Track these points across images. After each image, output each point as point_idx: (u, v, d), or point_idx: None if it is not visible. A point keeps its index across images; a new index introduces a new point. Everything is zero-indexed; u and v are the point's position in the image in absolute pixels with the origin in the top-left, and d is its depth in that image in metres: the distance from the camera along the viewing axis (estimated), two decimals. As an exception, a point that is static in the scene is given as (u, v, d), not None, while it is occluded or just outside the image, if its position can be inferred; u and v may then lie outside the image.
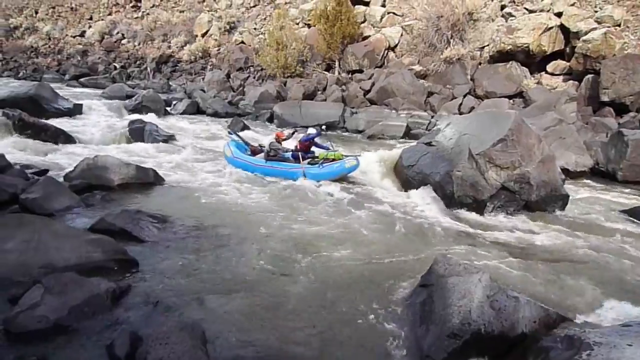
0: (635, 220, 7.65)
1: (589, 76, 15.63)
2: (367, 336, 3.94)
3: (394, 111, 16.46)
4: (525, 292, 4.70)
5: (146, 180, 7.90)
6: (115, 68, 30.39)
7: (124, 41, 34.57)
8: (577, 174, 10.61)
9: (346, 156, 9.09)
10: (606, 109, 14.69)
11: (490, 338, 3.64)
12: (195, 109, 18.30)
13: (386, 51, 21.09)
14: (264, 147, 9.71)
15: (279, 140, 9.53)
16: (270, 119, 16.94)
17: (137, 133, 11.58)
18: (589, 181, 10.67)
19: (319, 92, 19.59)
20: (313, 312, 4.24)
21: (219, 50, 27.99)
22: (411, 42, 20.84)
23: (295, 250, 5.59)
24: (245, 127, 14.50)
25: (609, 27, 16.25)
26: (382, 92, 17.70)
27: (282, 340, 3.80)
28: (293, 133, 10.35)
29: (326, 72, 21.58)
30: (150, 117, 14.08)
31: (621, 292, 5.01)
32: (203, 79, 24.28)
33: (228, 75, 23.40)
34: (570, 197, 8.05)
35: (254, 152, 9.82)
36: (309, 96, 18.90)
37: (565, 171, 9.56)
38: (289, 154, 9.37)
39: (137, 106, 15.95)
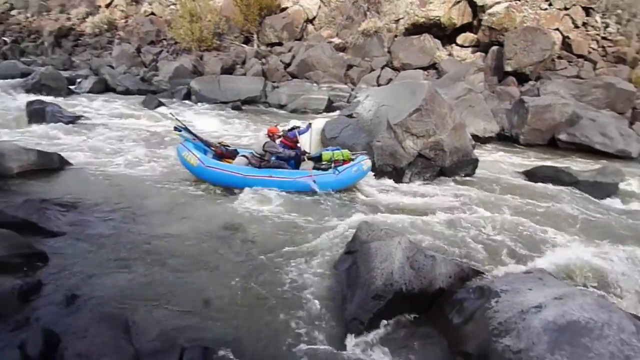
0: (531, 180, 8.47)
1: (494, 48, 16.73)
2: (295, 306, 4.00)
3: (315, 84, 16.50)
4: (442, 250, 5.07)
5: (50, 166, 7.21)
6: (6, 43, 27.10)
7: (13, 12, 30.87)
8: (486, 139, 11.43)
9: (354, 154, 7.45)
10: (510, 79, 15.87)
11: (412, 296, 3.88)
12: (104, 87, 16.95)
13: (305, 23, 20.92)
14: (230, 147, 7.66)
15: (273, 137, 7.08)
16: (188, 96, 16.21)
17: (37, 115, 10.48)
18: (496, 145, 11.57)
19: (238, 66, 19.06)
20: (238, 290, 4.21)
21: (126, 22, 26.02)
22: (329, 15, 20.85)
23: (216, 230, 5.47)
24: (160, 104, 13.75)
25: (511, 1, 17.37)
26: (303, 65, 17.63)
27: (207, 320, 3.75)
28: (292, 129, 7.90)
29: (244, 45, 20.99)
30: (51, 97, 12.84)
31: (522, 243, 5.56)
32: (110, 53, 22.49)
33: (139, 50, 21.91)
34: (480, 161, 8.67)
35: (221, 155, 7.40)
36: (228, 70, 18.33)
37: (475, 137, 10.27)
38: (286, 154, 7.18)
39: (36, 85, 14.36)
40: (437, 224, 5.95)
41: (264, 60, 19.05)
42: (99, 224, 5.40)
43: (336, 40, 19.45)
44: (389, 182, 7.75)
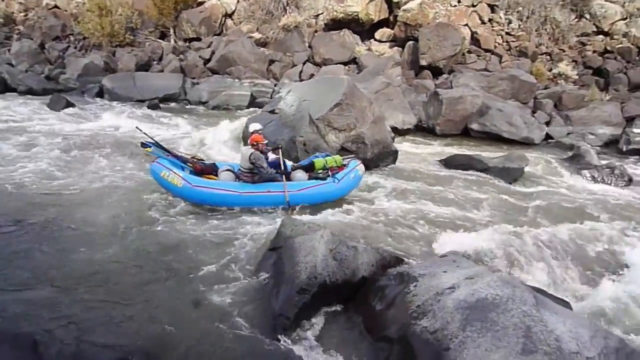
0: (447, 168, 8.97)
1: (410, 43, 17.43)
2: (221, 308, 3.91)
3: (237, 80, 16.19)
4: (365, 240, 5.20)
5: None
6: None
7: None
8: (404, 131, 11.89)
9: (344, 158, 7.07)
10: (425, 72, 16.64)
11: (336, 287, 3.94)
12: (3, 87, 15.43)
13: (224, 18, 20.41)
14: (205, 161, 6.91)
15: (258, 147, 6.11)
16: (100, 94, 15.19)
17: None
18: (414, 137, 12.08)
19: (155, 63, 18.19)
20: (158, 297, 4.03)
21: (26, 16, 23.80)
22: (248, 9, 20.51)
23: (122, 235, 5.17)
24: (69, 105, 12.74)
25: (423, -2, 18.20)
26: (223, 61, 17.21)
27: (126, 331, 3.55)
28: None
29: (160, 41, 20.05)
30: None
31: (440, 228, 5.86)
32: (9, 50, 20.44)
33: (42, 46, 20.10)
34: (400, 152, 9.01)
35: (201, 171, 6.49)
36: (143, 67, 17.41)
37: (394, 129, 10.66)
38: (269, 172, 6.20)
39: None
40: (360, 215, 6.11)
41: (182, 56, 18.34)
42: (5, 240, 4.87)
43: (257, 35, 19.20)
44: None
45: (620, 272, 5.15)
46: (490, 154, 10.23)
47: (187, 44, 19.72)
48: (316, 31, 19.14)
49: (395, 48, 18.30)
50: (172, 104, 15.09)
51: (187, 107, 15.17)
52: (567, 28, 18.67)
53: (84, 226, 5.32)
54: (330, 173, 6.53)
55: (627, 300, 4.43)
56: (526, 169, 8.96)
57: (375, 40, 19.07)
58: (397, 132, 11.21)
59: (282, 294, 3.88)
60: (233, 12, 20.68)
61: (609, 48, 17.94)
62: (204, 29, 19.77)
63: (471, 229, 5.97)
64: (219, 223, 5.65)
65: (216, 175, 6.41)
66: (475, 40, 18.37)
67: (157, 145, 6.35)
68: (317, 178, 6.49)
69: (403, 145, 10.41)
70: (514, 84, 14.69)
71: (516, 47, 18.28)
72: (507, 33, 18.83)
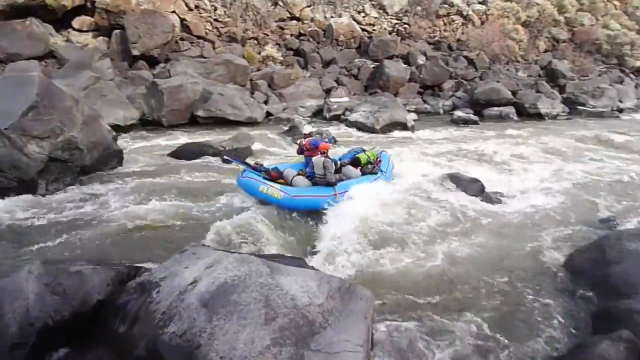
0: (179, 159, 8.79)
1: (117, 32, 16.06)
2: None
3: None
4: (98, 259, 4.60)
5: None
6: None
7: None
8: (128, 127, 11.07)
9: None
10: (140, 62, 15.70)
11: (65, 324, 3.35)
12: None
13: None
14: (263, 165, 7.02)
15: (326, 154, 6.70)
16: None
17: None
18: (141, 132, 11.37)
19: None
20: None
21: None
22: None
23: None
24: None
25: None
26: None
27: None
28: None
29: None
30: None
31: (181, 222, 5.70)
32: None
33: None
34: (127, 150, 8.32)
35: (275, 178, 6.76)
36: None
37: (116, 127, 9.75)
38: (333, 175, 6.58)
39: None
40: (86, 232, 5.38)
41: None
42: None
43: None
44: (22, 198, 6.40)
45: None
46: (220, 137, 10.53)
47: None
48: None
49: (101, 38, 16.55)
50: None
51: None
52: (267, 14, 20.54)
53: None
54: (376, 166, 7.05)
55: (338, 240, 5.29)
56: (252, 146, 9.60)
57: (75, 30, 16.80)
58: (120, 129, 10.34)
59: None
60: None
61: (302, 31, 20.66)
62: None
63: (214, 214, 6.02)
64: None
65: (283, 179, 6.80)
66: (185, 27, 18.31)
67: (237, 159, 6.96)
68: (370, 173, 6.90)
69: (129, 143, 9.71)
70: (230, 68, 15.41)
71: (225, 32, 19.12)
72: (215, 20, 19.45)
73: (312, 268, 4.10)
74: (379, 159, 7.33)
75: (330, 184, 6.38)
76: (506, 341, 3.87)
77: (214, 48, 18.10)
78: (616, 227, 6.21)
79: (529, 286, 4.78)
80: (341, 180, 6.60)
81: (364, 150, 7.47)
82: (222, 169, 8.19)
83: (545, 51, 24.92)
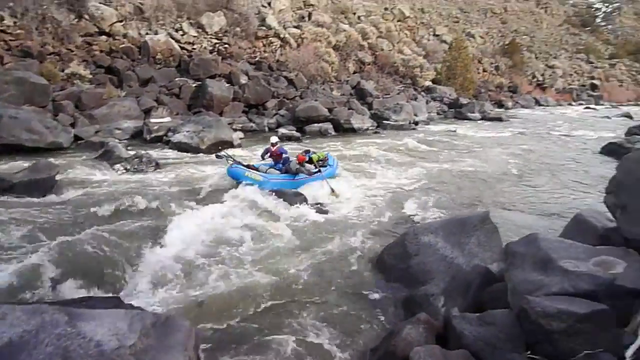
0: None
1: None
2: None
3: None
4: None
5: None
6: None
7: None
8: None
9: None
10: None
11: None
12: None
13: None
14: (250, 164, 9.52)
15: (301, 163, 9.39)
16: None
17: None
18: None
19: None
20: None
21: None
22: None
23: None
24: None
25: None
26: None
27: None
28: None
29: None
30: None
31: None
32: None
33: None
34: None
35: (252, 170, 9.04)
36: None
37: None
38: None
39: None
40: None
41: None
42: None
43: None
44: None
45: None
46: (14, 168, 9.02)
47: None
48: None
49: None
50: None
51: None
52: (70, 28, 18.48)
53: None
54: (325, 162, 9.89)
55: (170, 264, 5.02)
56: (58, 176, 8.46)
57: None
58: None
59: None
60: None
61: (114, 48, 19.15)
62: None
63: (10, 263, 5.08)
64: None
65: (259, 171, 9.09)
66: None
67: (228, 156, 9.25)
68: (322, 166, 9.62)
69: None
70: (25, 87, 13.37)
71: (17, 46, 16.57)
72: (2, 31, 16.71)
73: (130, 306, 3.79)
74: (326, 158, 10.06)
75: (292, 173, 9.08)
76: (330, 340, 4.15)
77: (2, 64, 15.51)
78: (417, 223, 7.23)
79: (347, 288, 5.23)
80: (301, 172, 9.15)
81: (314, 153, 9.89)
82: (14, 207, 7.01)
83: (354, 72, 27.96)
